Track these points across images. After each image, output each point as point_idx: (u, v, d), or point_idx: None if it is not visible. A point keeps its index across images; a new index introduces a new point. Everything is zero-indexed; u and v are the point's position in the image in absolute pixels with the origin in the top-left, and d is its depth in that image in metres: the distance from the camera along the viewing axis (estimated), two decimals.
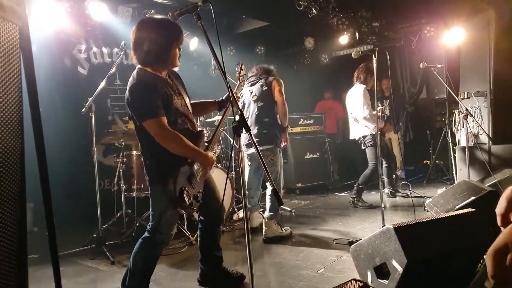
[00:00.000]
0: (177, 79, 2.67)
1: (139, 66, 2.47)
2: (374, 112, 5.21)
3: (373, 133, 5.08)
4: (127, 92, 2.40)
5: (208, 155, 2.50)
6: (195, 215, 4.23)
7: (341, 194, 6.31)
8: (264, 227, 4.07)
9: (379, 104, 5.32)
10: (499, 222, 1.43)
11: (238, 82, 3.13)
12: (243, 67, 3.12)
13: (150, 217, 2.54)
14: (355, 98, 5.27)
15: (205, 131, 2.77)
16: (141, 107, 2.36)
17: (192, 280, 2.99)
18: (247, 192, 4.42)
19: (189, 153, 2.44)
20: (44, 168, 1.07)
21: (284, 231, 4.09)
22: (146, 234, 2.53)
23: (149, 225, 2.53)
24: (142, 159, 2.61)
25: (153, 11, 5.37)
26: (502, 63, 5.68)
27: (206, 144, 2.66)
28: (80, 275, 3.29)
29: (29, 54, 1.05)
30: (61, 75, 5.22)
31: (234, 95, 2.10)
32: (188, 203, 2.38)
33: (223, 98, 2.92)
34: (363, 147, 5.32)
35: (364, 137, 5.22)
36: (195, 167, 2.51)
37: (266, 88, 4.14)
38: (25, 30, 1.07)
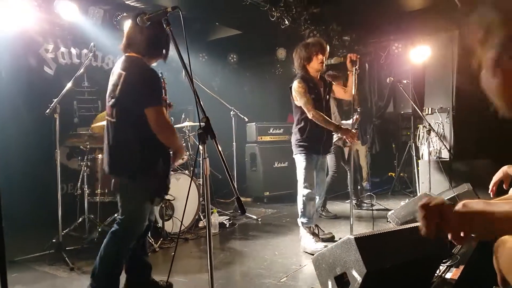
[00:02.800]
0: None
1: (133, 55, 2.51)
2: (344, 122, 5.31)
3: (334, 141, 5.16)
4: (127, 76, 2.42)
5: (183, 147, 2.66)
6: (159, 221, 4.19)
7: None
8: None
9: (356, 110, 5.43)
10: (450, 235, 1.47)
11: None
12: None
13: (121, 210, 2.58)
14: None
15: None
16: (151, 93, 2.40)
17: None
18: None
19: (175, 144, 2.52)
20: None
21: (319, 246, 3.70)
22: (116, 227, 2.55)
23: (119, 218, 2.56)
24: (115, 151, 2.53)
25: (124, 14, 5.31)
26: (464, 81, 5.93)
27: None
28: (38, 282, 3.17)
29: None
30: (25, 74, 5.06)
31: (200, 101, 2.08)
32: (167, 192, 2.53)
33: None
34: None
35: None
36: (171, 158, 2.57)
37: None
38: None
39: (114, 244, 2.54)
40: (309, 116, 3.82)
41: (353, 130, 3.88)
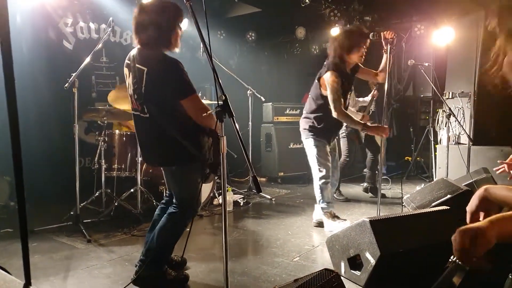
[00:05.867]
0: None
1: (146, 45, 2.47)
2: (361, 99, 5.20)
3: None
4: (151, 71, 2.38)
5: None
6: None
7: None
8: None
9: (375, 85, 5.28)
10: (468, 220, 1.45)
11: None
12: None
13: (177, 194, 2.61)
14: None
15: None
16: (182, 85, 2.39)
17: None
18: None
19: (212, 125, 2.49)
20: (17, 142, 1.04)
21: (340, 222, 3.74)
22: (173, 210, 2.59)
23: (175, 202, 2.61)
24: (156, 145, 2.56)
25: None
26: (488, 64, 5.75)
27: None
28: (55, 252, 3.26)
29: (4, 22, 1.01)
30: (45, 48, 5.10)
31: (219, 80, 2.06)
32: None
33: None
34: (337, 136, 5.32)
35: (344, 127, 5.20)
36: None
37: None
38: None
39: (172, 226, 2.60)
40: (334, 115, 3.62)
41: (384, 126, 3.68)
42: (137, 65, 2.45)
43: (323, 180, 3.82)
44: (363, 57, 3.65)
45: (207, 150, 2.47)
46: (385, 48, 3.66)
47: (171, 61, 2.40)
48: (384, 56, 3.74)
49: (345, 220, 3.82)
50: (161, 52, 2.46)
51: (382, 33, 3.62)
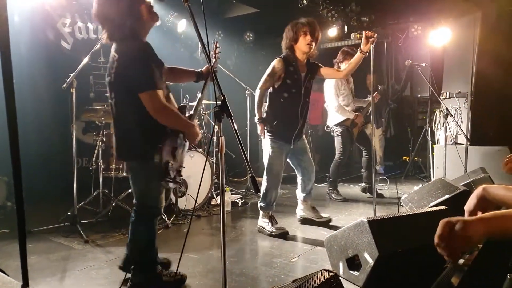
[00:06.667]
0: None
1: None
2: (348, 108, 5.21)
3: (340, 122, 5.14)
4: (119, 59, 2.29)
5: (195, 126, 2.46)
6: (173, 198, 4.24)
7: (320, 185, 6.34)
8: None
9: (377, 88, 5.32)
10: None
11: (214, 60, 2.91)
12: (218, 45, 2.94)
13: (136, 194, 2.53)
14: (328, 87, 5.25)
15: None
16: (142, 77, 2.24)
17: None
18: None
19: (180, 126, 2.40)
20: (15, 142, 1.04)
21: (273, 229, 3.73)
22: (133, 217, 2.52)
23: (135, 204, 2.54)
24: (117, 135, 2.50)
25: None
26: (484, 65, 5.78)
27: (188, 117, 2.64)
28: (52, 252, 3.25)
29: (3, 21, 1.01)
30: (43, 48, 5.08)
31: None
32: (172, 176, 2.38)
33: (202, 70, 2.84)
34: (332, 134, 5.36)
35: (334, 125, 5.23)
36: (178, 140, 2.44)
37: None
38: None
39: (140, 233, 2.53)
40: (256, 89, 3.74)
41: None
42: (112, 51, 2.38)
43: (269, 186, 3.80)
44: (310, 45, 3.66)
45: (163, 151, 2.34)
46: (362, 47, 3.65)
47: (138, 49, 2.28)
48: (358, 54, 3.73)
49: (282, 228, 3.77)
50: (136, 40, 2.33)
51: (364, 32, 3.66)
